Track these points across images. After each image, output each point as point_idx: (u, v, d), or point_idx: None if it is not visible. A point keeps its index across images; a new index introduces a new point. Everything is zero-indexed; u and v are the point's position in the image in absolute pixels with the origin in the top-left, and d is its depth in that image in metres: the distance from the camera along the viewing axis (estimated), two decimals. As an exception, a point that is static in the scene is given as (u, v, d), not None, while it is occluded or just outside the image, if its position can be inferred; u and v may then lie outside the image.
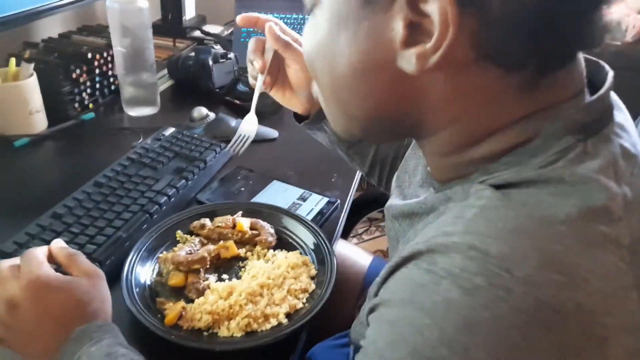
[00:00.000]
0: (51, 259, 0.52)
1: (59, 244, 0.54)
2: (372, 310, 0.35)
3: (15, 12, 0.85)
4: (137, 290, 0.60)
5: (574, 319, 0.28)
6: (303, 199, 0.82)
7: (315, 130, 0.75)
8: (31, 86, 0.90)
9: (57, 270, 0.51)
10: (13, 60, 0.90)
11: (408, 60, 0.34)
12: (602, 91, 0.36)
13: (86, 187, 0.74)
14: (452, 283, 0.30)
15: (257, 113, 1.09)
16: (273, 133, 1.01)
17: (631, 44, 1.65)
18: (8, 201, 0.77)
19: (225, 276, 0.65)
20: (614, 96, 0.38)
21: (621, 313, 0.30)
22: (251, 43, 0.70)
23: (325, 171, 0.92)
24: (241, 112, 1.07)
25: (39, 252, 0.51)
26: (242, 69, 1.16)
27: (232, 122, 1.00)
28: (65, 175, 0.86)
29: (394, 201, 0.52)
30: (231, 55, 1.15)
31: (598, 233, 0.30)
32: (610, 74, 0.38)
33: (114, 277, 0.62)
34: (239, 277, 0.64)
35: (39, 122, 0.93)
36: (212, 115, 1.01)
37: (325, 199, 0.81)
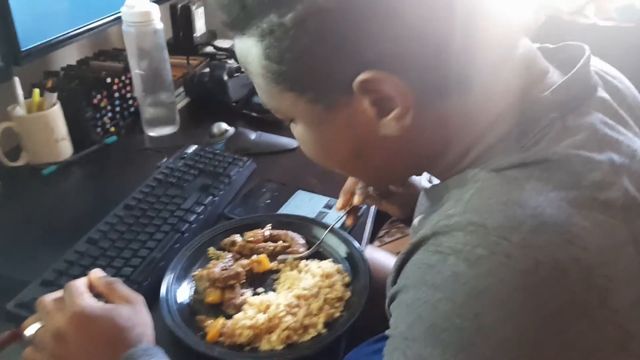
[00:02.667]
0: (92, 289, 0.54)
1: (97, 274, 0.55)
2: (392, 300, 0.38)
3: (36, 44, 0.87)
4: (176, 309, 0.61)
5: (574, 273, 0.30)
6: (329, 206, 0.83)
7: None
8: (56, 115, 0.92)
9: (98, 299, 0.53)
10: (37, 91, 0.92)
11: (390, 127, 0.38)
12: (573, 72, 0.39)
13: (117, 210, 0.76)
14: (458, 258, 0.32)
15: (275, 123, 1.11)
16: (292, 143, 1.02)
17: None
18: (43, 229, 0.79)
19: (260, 289, 0.66)
20: (605, 71, 0.43)
21: (618, 266, 0.31)
22: (348, 183, 0.73)
23: (347, 176, 0.92)
24: (259, 124, 1.08)
25: (80, 284, 0.52)
26: (256, 81, 1.17)
27: (252, 135, 1.02)
28: (95, 199, 0.88)
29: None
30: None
31: (586, 197, 0.33)
32: (586, 54, 0.40)
33: (152, 298, 0.63)
34: (274, 290, 0.65)
35: (65, 149, 0.95)
36: (231, 129, 1.02)
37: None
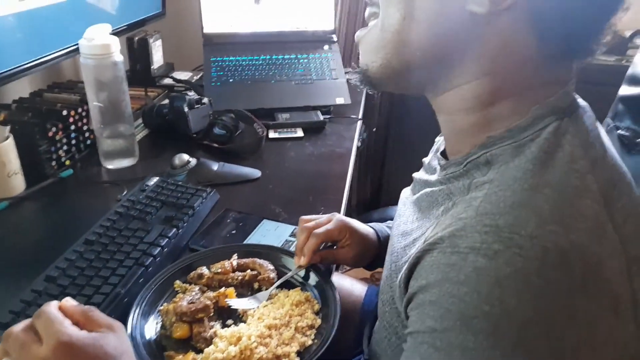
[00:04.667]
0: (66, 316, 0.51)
1: (70, 302, 0.52)
2: (409, 301, 0.41)
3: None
4: (144, 346, 0.59)
5: (573, 255, 0.35)
6: (295, 235, 0.83)
7: None
8: (8, 149, 0.88)
9: None
10: (-13, 125, 0.88)
11: (480, 3, 0.41)
12: (569, 84, 0.46)
13: (76, 245, 0.73)
14: (477, 254, 0.36)
15: (237, 154, 1.11)
16: (255, 173, 1.03)
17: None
18: (-5, 268, 0.75)
19: (230, 321, 0.64)
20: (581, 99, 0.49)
21: (604, 243, 0.37)
22: (302, 239, 0.72)
23: (311, 204, 0.93)
24: (220, 155, 1.08)
25: (55, 311, 0.49)
26: (216, 113, 1.17)
27: (214, 165, 1.01)
28: (52, 235, 0.84)
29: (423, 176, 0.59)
30: (205, 100, 1.17)
31: (573, 187, 0.39)
32: (574, 74, 0.47)
33: (117, 335, 0.61)
34: (244, 321, 0.64)
35: (18, 184, 0.91)
36: (193, 160, 1.01)
37: (317, 233, 0.82)
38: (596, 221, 0.38)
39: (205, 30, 1.40)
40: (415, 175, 0.62)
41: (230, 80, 1.33)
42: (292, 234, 0.83)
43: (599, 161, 0.42)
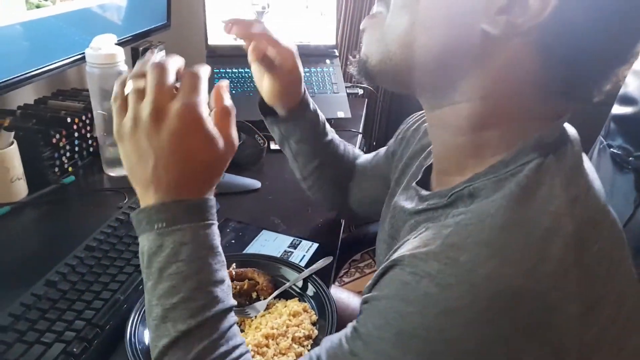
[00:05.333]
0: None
1: (225, 86, 0.51)
2: (365, 302, 0.42)
3: (-5, 82, 0.86)
4: (142, 352, 0.59)
5: (526, 298, 0.35)
6: (294, 246, 0.84)
7: (278, 125, 0.80)
8: (12, 154, 0.89)
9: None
10: (-8, 130, 0.89)
11: (495, 24, 0.40)
12: (560, 119, 0.45)
13: (77, 251, 0.74)
14: (431, 282, 0.37)
15: (238, 164, 1.12)
16: (256, 184, 1.04)
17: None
18: (-5, 272, 0.75)
19: (227, 330, 0.65)
20: (570, 128, 0.48)
21: (564, 287, 0.37)
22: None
23: (311, 217, 0.94)
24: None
25: (201, 84, 0.47)
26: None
27: (215, 175, 1.02)
28: (53, 241, 0.85)
29: (404, 202, 0.58)
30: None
31: (543, 229, 0.38)
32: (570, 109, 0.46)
33: (116, 341, 0.62)
34: (242, 330, 0.65)
35: (20, 190, 0.92)
36: (194, 170, 1.02)
37: (316, 245, 0.83)
38: (560, 265, 0.37)
39: (210, 42, 1.42)
40: (394, 202, 0.61)
41: (233, 92, 1.34)
42: (291, 245, 0.84)
43: (581, 200, 0.41)
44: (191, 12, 1.58)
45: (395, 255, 0.41)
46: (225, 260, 0.49)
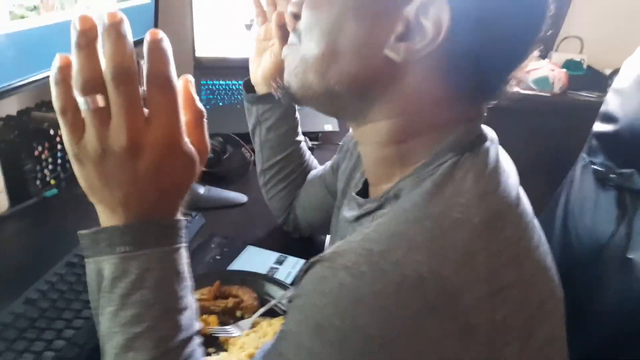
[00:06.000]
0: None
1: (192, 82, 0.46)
2: (289, 301, 0.44)
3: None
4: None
5: (431, 281, 0.38)
6: (279, 262, 0.83)
7: (257, 104, 0.83)
8: (-7, 167, 0.88)
9: None
10: (-27, 142, 0.88)
11: (397, 51, 0.44)
12: (475, 122, 0.49)
13: (58, 268, 0.72)
14: (346, 273, 0.39)
15: (224, 178, 1.11)
16: (242, 198, 1.03)
17: (558, 94, 1.84)
18: (-28, 289, 0.74)
19: (211, 349, 0.64)
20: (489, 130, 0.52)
21: (469, 272, 0.39)
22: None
23: (297, 232, 0.94)
24: (207, 179, 1.08)
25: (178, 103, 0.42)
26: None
27: (201, 189, 1.01)
28: (33, 256, 0.83)
29: (346, 213, 0.60)
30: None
31: (451, 219, 0.41)
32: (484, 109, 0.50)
33: (96, 362, 0.60)
34: (225, 349, 0.64)
35: (1, 203, 0.90)
36: (180, 184, 1.01)
37: (302, 261, 0.83)
38: (465, 253, 0.40)
39: (197, 54, 1.41)
40: (341, 216, 0.63)
41: (220, 104, 1.34)
42: (277, 261, 0.83)
43: (489, 194, 0.44)
44: (179, 24, 1.58)
45: (317, 257, 0.42)
46: (190, 284, 0.47)
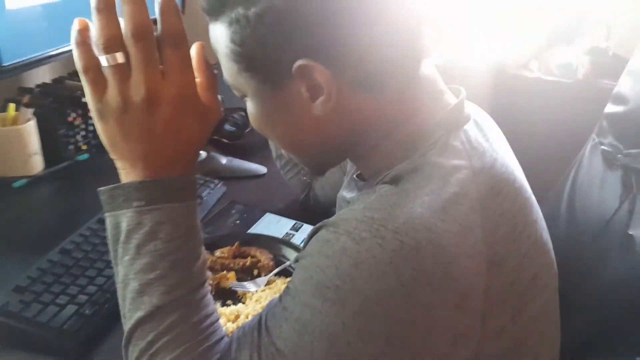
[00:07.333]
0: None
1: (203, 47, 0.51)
2: (296, 261, 0.47)
3: (17, 61, 0.90)
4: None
5: (427, 251, 0.40)
6: (296, 229, 0.87)
7: None
8: (30, 130, 0.94)
9: None
10: (12, 106, 0.94)
11: (318, 110, 0.47)
12: (455, 102, 0.50)
13: (91, 223, 0.78)
14: (348, 237, 0.42)
15: (246, 150, 1.16)
16: (262, 169, 1.07)
17: (581, 81, 1.82)
18: (12, 239, 0.80)
19: (229, 302, 0.69)
20: (477, 110, 0.55)
21: (465, 244, 0.42)
22: None
23: (313, 204, 0.98)
24: (229, 150, 1.13)
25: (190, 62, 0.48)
26: (228, 110, 1.22)
27: (223, 159, 1.06)
28: (67, 213, 0.89)
29: (345, 193, 0.65)
30: (218, 97, 1.22)
31: (452, 193, 0.43)
32: (463, 94, 0.52)
33: (119, 314, 0.65)
34: (242, 302, 0.69)
35: (37, 164, 0.96)
36: (203, 153, 1.06)
37: (317, 228, 0.87)
38: (463, 225, 0.42)
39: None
40: (339, 194, 0.67)
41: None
42: (293, 228, 0.88)
43: (485, 170, 0.46)
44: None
45: (323, 222, 0.46)
46: (201, 237, 0.51)
